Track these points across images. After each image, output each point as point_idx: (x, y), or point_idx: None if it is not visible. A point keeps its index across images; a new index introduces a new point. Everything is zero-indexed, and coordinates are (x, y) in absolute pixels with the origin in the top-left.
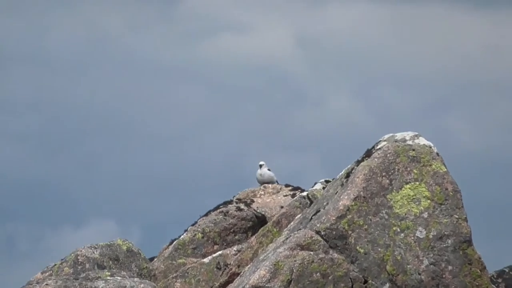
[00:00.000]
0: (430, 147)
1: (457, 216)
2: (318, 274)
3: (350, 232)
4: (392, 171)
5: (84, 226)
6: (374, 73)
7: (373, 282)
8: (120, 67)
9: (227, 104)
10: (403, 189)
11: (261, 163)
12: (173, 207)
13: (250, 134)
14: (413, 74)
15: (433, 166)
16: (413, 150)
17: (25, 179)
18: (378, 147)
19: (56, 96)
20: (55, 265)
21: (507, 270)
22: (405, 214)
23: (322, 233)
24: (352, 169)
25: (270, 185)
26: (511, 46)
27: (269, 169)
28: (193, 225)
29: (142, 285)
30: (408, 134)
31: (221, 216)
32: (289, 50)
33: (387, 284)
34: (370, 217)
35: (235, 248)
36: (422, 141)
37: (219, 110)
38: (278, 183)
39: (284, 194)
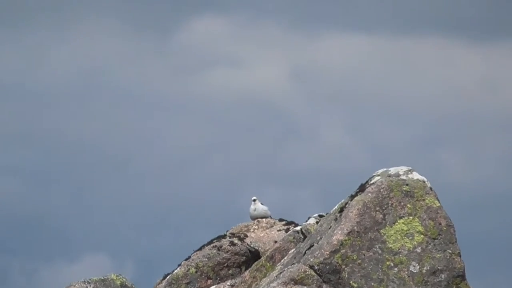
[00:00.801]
0: (424, 182)
1: (450, 251)
2: None
3: (343, 266)
4: (385, 206)
5: (78, 259)
6: (368, 107)
7: None
8: (112, 100)
9: (221, 137)
10: (397, 223)
11: (254, 198)
12: (167, 241)
13: (243, 168)
14: (408, 108)
15: (427, 201)
16: (407, 185)
17: (18, 212)
18: (372, 181)
19: (48, 129)
20: None
21: None
22: (399, 249)
23: (316, 267)
24: (346, 203)
25: (263, 219)
26: (506, 80)
27: (262, 204)
28: (186, 259)
29: None
30: (401, 169)
31: (214, 251)
32: (283, 84)
33: None
34: (363, 251)
35: (228, 282)
36: (415, 175)
37: (213, 144)
38: (271, 218)
39: (278, 228)
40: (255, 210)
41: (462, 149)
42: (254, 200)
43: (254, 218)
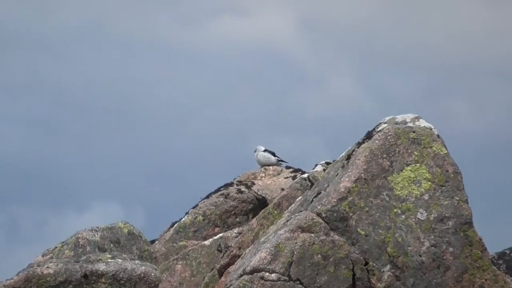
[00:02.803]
0: (431, 129)
1: (457, 198)
2: (319, 256)
3: (351, 214)
4: (392, 153)
5: (87, 209)
6: (376, 56)
7: (374, 264)
8: (118, 50)
9: (228, 86)
10: (404, 171)
11: (257, 147)
12: (176, 189)
13: (251, 117)
14: (415, 57)
15: (434, 148)
16: (414, 132)
17: (28, 162)
18: (379, 129)
19: (56, 78)
20: (56, 247)
21: (508, 252)
22: (406, 196)
23: (323, 215)
24: (353, 151)
25: (270, 167)
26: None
27: (265, 150)
28: (194, 207)
29: (143, 267)
30: (408, 116)
31: (222, 199)
32: (291, 33)
33: (388, 266)
34: (371, 199)
35: (236, 230)
36: (422, 123)
37: (220, 93)
38: (281, 165)
39: (285, 176)
40: (257, 157)
41: (470, 96)
42: (257, 149)
43: (260, 165)
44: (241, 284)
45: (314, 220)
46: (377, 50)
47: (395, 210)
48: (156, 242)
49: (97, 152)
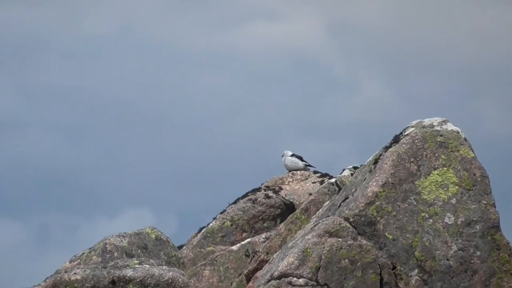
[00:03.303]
0: (458, 133)
1: (485, 202)
2: (346, 260)
3: (378, 218)
4: (420, 157)
5: (119, 215)
6: (407, 59)
7: (402, 268)
8: (147, 55)
9: (259, 91)
10: (431, 175)
11: (285, 151)
12: (207, 195)
13: (281, 121)
14: (445, 59)
15: (461, 151)
16: (441, 135)
17: (60, 169)
18: (406, 133)
19: (88, 85)
20: (83, 253)
21: None
22: (433, 200)
23: (351, 219)
24: (380, 155)
25: (298, 172)
26: None
27: (293, 155)
28: (221, 213)
29: (170, 273)
30: (435, 120)
31: (249, 204)
32: (321, 36)
33: (416, 270)
34: (398, 203)
35: (263, 235)
36: (449, 126)
37: (250, 97)
38: (309, 170)
39: (313, 181)
40: (284, 161)
41: (500, 100)
42: (284, 154)
43: (288, 170)
44: None
45: (342, 224)
46: (407, 53)
47: (422, 214)
48: (184, 247)
49: (128, 159)
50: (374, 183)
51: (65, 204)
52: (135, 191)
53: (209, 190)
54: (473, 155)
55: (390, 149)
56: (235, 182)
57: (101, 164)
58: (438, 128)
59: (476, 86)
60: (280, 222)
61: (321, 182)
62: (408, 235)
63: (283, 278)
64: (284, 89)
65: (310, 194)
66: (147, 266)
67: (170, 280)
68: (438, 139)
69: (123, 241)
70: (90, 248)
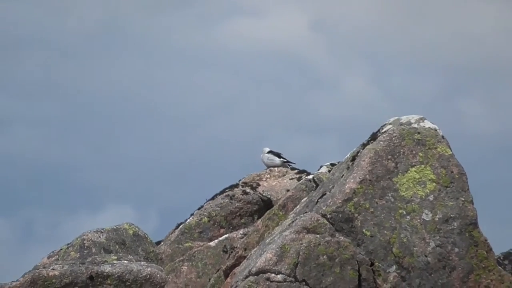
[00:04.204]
0: (436, 130)
1: (463, 199)
2: (324, 257)
3: (356, 215)
4: (397, 154)
5: (101, 211)
6: (389, 57)
7: (380, 265)
8: (135, 51)
9: (242, 88)
10: (409, 172)
11: (263, 148)
12: (190, 191)
13: (265, 118)
14: (429, 58)
15: (439, 149)
16: (419, 133)
17: (42, 164)
18: (384, 130)
19: (71, 80)
20: (62, 249)
21: None
22: (411, 197)
23: (328, 216)
24: (358, 152)
25: (276, 168)
26: None
27: (270, 152)
28: (199, 209)
29: (148, 269)
30: (413, 117)
31: (227, 200)
32: (304, 33)
33: (394, 267)
34: (376, 200)
35: (241, 231)
36: (427, 124)
37: (234, 94)
38: (288, 166)
39: (290, 177)
40: (262, 158)
41: (483, 98)
42: (263, 151)
43: (267, 166)
44: (246, 285)
45: (319, 221)
46: (391, 50)
47: (400, 211)
48: (162, 243)
49: (112, 155)
50: (352, 180)
51: (48, 200)
52: (117, 187)
53: (192, 186)
54: (451, 152)
55: (367, 146)
56: (219, 179)
57: (84, 161)
58: (416, 126)
59: (459, 84)
60: (258, 218)
61: (299, 179)
62: (386, 232)
63: (261, 274)
64: (268, 86)
65: (288, 191)
66: (125, 262)
67: (148, 276)
68: (416, 137)
69: (101, 236)
70: (68, 244)
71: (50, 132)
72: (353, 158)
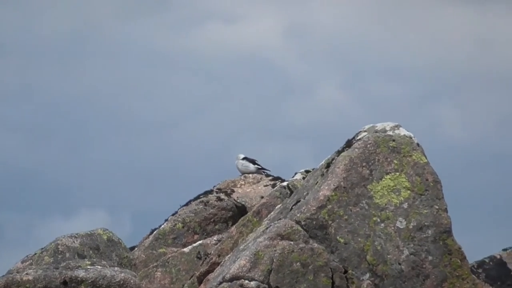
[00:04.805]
0: (411, 138)
1: (437, 207)
2: (298, 263)
3: (330, 222)
4: (372, 162)
5: (74, 215)
6: (363, 64)
7: (353, 272)
8: (109, 55)
9: (215, 93)
10: (383, 179)
11: (238, 155)
12: (164, 196)
13: (238, 123)
14: (402, 65)
15: (414, 157)
16: (393, 140)
17: (14, 167)
18: (359, 137)
19: (44, 85)
20: (35, 254)
21: (487, 260)
22: (385, 205)
23: (302, 223)
24: (333, 159)
25: (250, 175)
26: (501, 38)
27: (244, 158)
28: (173, 214)
29: (122, 274)
30: (388, 125)
31: (201, 206)
32: (278, 39)
33: (367, 274)
34: (350, 207)
35: (215, 237)
36: (402, 131)
37: (208, 99)
38: (263, 173)
39: (265, 184)
40: (236, 165)
41: (459, 105)
42: (237, 157)
43: (241, 173)
44: None
45: (293, 228)
46: (364, 56)
47: (374, 219)
48: (136, 249)
49: (86, 159)
50: (326, 187)
51: (20, 203)
52: (91, 191)
53: (165, 191)
54: (426, 160)
55: (342, 154)
56: (192, 185)
57: (57, 164)
58: (391, 133)
59: (433, 91)
60: (232, 225)
61: (273, 186)
62: (359, 239)
63: (235, 281)
64: (241, 91)
65: (262, 197)
66: (99, 267)
67: (122, 282)
68: (391, 144)
69: (75, 242)
70: (42, 249)
71: (23, 136)
72: (328, 165)
